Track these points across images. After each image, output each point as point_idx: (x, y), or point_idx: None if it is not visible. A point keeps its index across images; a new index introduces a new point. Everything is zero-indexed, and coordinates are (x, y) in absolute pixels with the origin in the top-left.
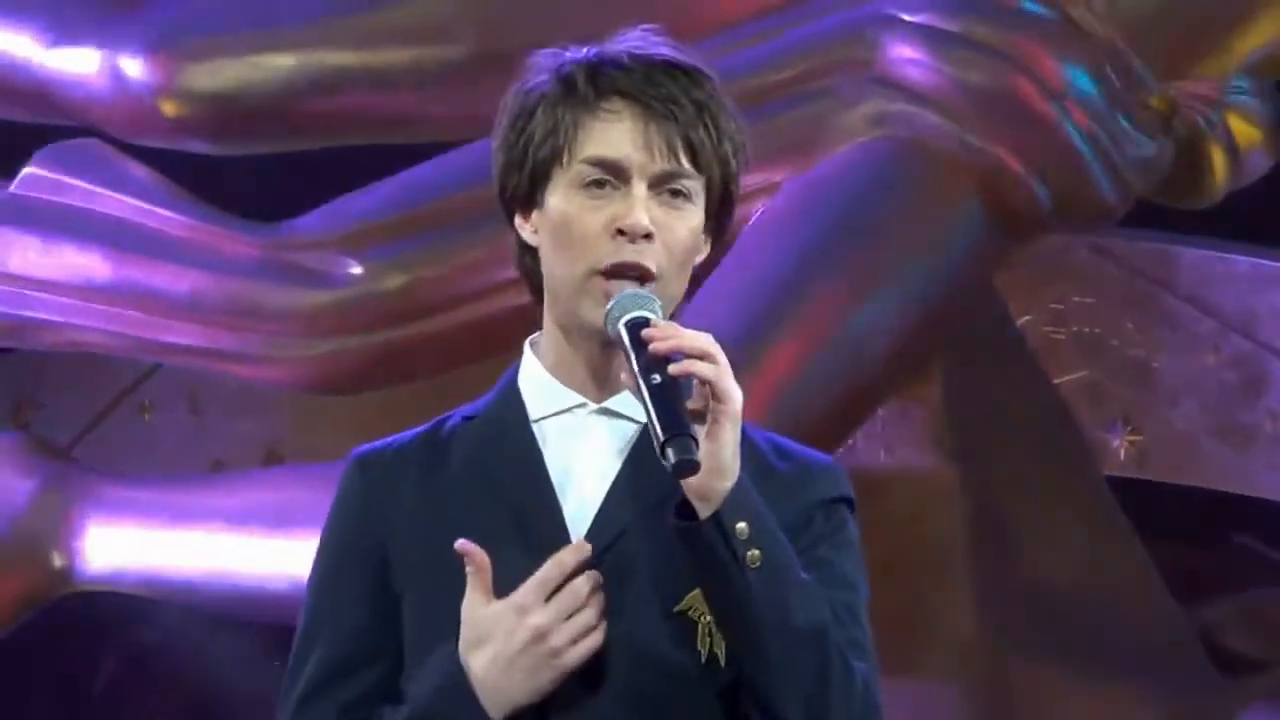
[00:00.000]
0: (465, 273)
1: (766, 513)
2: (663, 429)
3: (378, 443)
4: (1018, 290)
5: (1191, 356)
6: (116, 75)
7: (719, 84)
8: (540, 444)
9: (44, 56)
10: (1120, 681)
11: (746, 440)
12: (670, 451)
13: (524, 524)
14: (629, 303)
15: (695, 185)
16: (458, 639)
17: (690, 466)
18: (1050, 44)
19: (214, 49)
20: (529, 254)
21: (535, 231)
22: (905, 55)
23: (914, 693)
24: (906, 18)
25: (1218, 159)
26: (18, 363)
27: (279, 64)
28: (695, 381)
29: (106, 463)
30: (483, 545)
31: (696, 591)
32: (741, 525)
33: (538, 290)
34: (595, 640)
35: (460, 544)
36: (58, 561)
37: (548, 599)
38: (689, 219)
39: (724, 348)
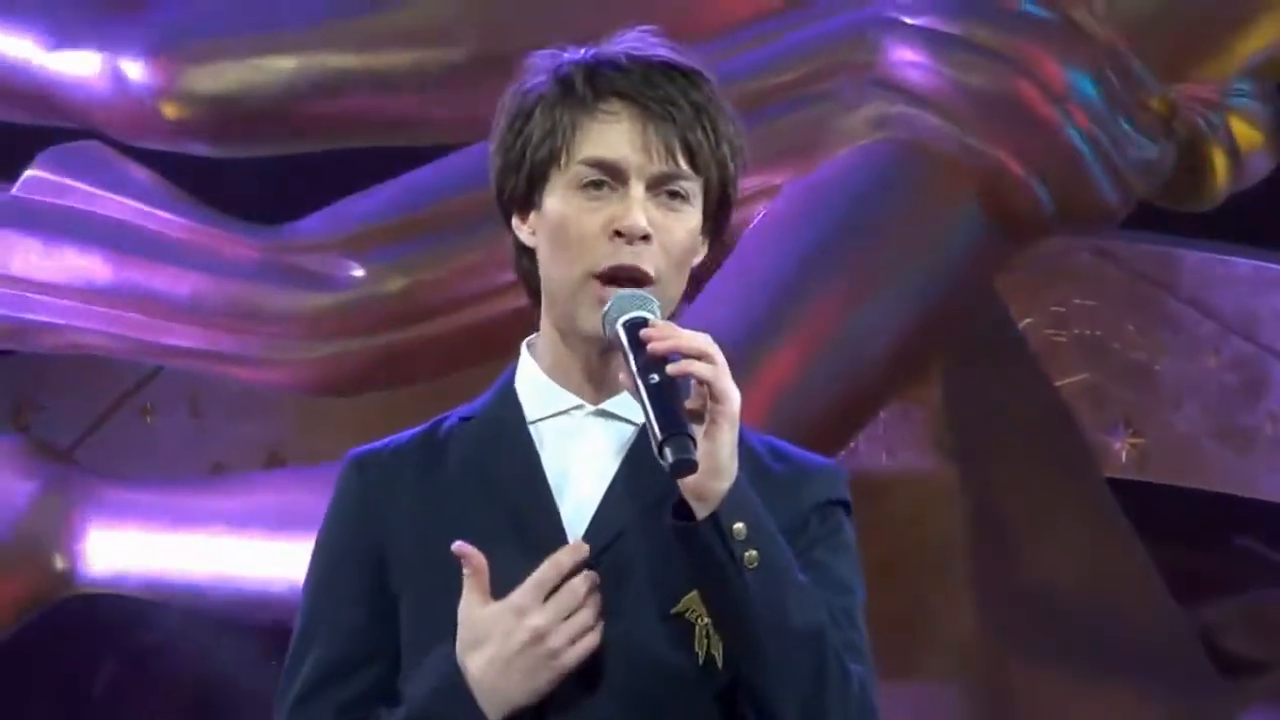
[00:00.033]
0: (466, 275)
1: (764, 514)
2: (660, 428)
3: (374, 444)
4: (1019, 293)
5: (1193, 359)
6: (117, 78)
7: (717, 86)
8: (537, 446)
9: (45, 59)
10: (1121, 682)
11: (743, 443)
12: (668, 451)
13: (521, 525)
14: (627, 303)
15: (693, 187)
16: (455, 640)
17: (688, 466)
18: (1052, 47)
19: (215, 51)
20: (526, 255)
21: (533, 233)
22: (906, 58)
23: (914, 693)
24: (908, 21)
25: (1219, 161)
26: (19, 365)
27: (280, 66)
28: (693, 382)
29: (108, 465)
30: (480, 546)
31: (694, 593)
32: (739, 526)
33: (535, 292)
34: (593, 640)
35: (457, 546)
36: (59, 564)
37: (545, 599)
38: (687, 220)
39: (725, 350)
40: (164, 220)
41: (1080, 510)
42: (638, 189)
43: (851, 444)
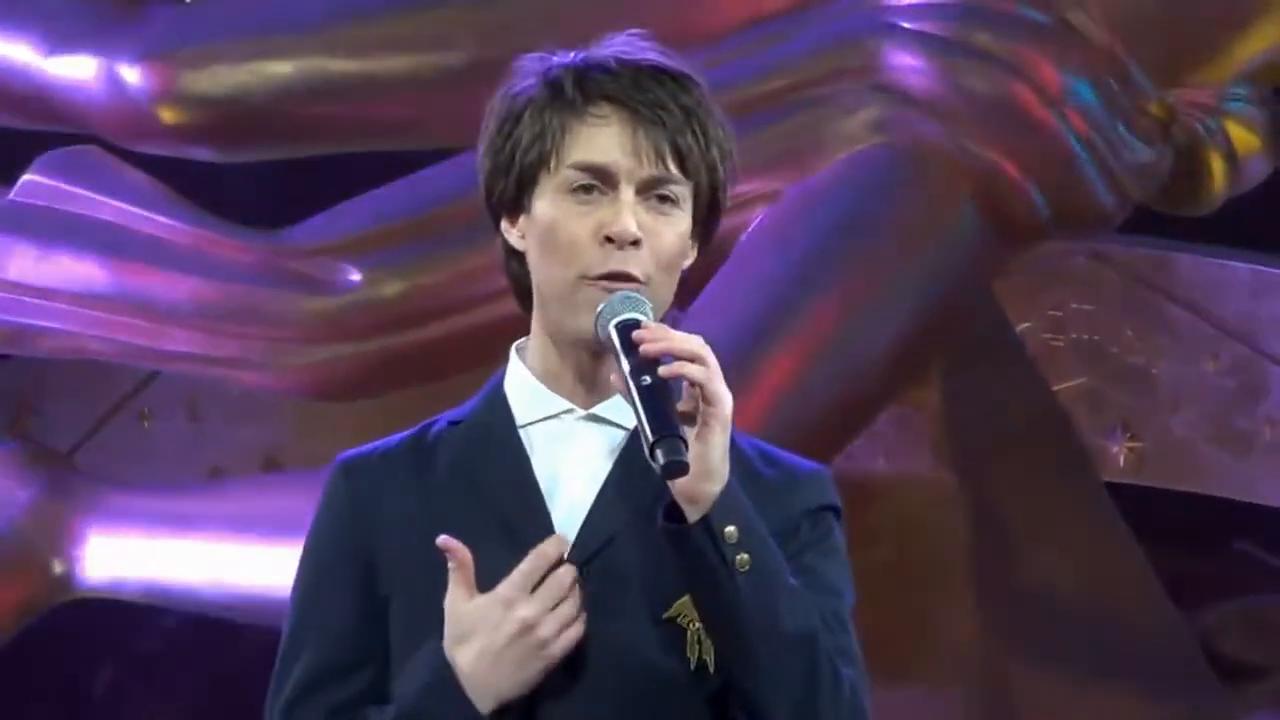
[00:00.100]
0: (464, 280)
1: (756, 517)
2: (652, 430)
3: (363, 448)
4: (1017, 297)
5: (1190, 363)
6: (115, 82)
7: (706, 89)
8: (527, 450)
9: (43, 63)
10: (1120, 687)
11: (733, 446)
12: (659, 453)
13: (511, 529)
14: (619, 305)
15: (683, 191)
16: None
17: (679, 468)
18: (1049, 51)
19: (213, 56)
20: (515, 259)
21: (522, 236)
22: (905, 63)
23: (914, 696)
24: (906, 25)
25: (1216, 166)
26: (17, 370)
27: (278, 71)
28: (685, 384)
29: (106, 470)
30: (469, 549)
31: (686, 598)
32: (730, 529)
33: (525, 295)
34: (578, 631)
35: (442, 540)
36: (57, 568)
37: (532, 591)
38: (677, 225)
39: (724, 354)
40: (162, 224)
41: (1078, 514)
42: (627, 193)
43: (849, 448)
